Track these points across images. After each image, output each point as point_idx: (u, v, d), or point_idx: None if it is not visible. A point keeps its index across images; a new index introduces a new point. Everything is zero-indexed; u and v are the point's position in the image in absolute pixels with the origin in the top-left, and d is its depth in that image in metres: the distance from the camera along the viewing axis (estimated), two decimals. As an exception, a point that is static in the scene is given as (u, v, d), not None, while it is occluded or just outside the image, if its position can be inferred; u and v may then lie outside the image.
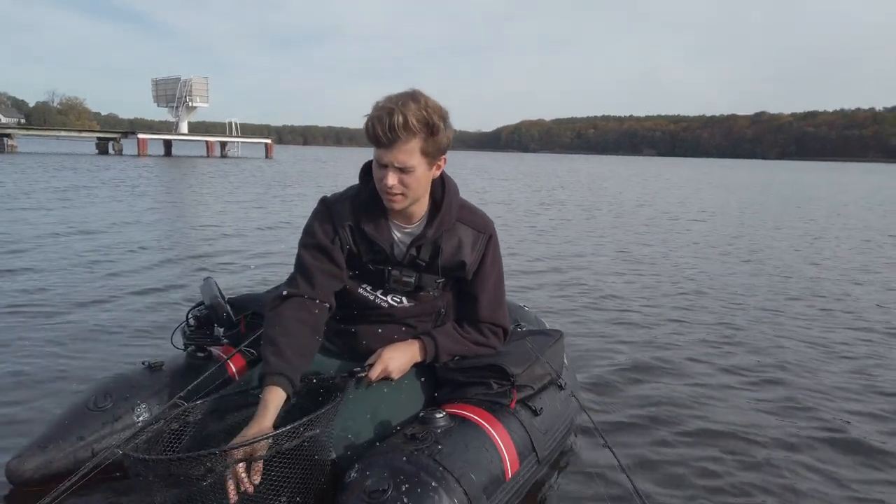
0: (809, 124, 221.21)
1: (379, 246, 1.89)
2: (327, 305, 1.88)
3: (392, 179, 1.75)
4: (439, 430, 1.74)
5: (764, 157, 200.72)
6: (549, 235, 8.77)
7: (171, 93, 48.77)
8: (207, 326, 2.36)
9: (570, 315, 4.46)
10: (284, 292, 1.85)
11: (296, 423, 1.54)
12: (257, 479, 1.49)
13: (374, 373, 1.88)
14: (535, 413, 1.98)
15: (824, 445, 2.46)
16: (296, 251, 1.92)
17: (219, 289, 2.44)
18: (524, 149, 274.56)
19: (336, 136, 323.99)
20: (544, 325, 2.74)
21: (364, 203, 1.89)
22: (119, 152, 41.90)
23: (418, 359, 1.97)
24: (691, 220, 11.44)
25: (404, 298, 1.96)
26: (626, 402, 2.84)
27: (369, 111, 1.74)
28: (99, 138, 44.70)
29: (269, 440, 1.51)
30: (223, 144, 47.49)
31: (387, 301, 1.96)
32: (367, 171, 1.90)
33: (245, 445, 1.48)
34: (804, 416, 2.73)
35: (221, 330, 2.44)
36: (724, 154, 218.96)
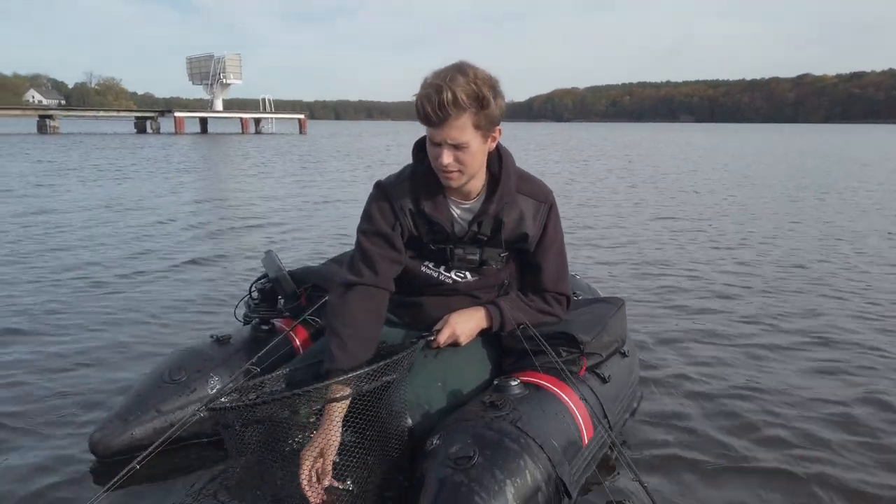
0: (855, 85, 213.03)
1: (440, 226, 1.87)
2: (388, 291, 1.88)
3: (447, 158, 1.72)
4: (516, 398, 1.74)
5: (807, 121, 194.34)
6: (590, 206, 8.65)
7: (205, 70, 49.31)
8: (271, 299, 2.37)
9: (615, 281, 4.42)
10: (348, 280, 1.84)
11: (374, 366, 1.58)
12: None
13: (443, 337, 1.88)
14: (604, 380, 1.97)
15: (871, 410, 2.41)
16: (347, 229, 1.89)
17: (280, 261, 2.45)
18: (558, 118, 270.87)
19: (367, 110, 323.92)
20: (597, 292, 2.71)
21: (420, 183, 1.86)
22: (157, 131, 42.62)
23: (485, 325, 1.96)
24: (737, 185, 11.17)
25: (468, 273, 1.95)
26: (682, 364, 2.82)
27: (417, 89, 1.70)
28: (137, 118, 45.47)
29: (350, 382, 1.57)
30: (257, 121, 47.94)
31: (451, 277, 1.95)
32: (420, 148, 1.87)
33: (331, 384, 1.54)
34: (850, 382, 2.66)
35: (281, 302, 2.45)
36: (764, 119, 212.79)
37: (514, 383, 1.79)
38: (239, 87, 52.74)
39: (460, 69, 1.67)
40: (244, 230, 6.56)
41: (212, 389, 2.02)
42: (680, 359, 2.93)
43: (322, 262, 2.76)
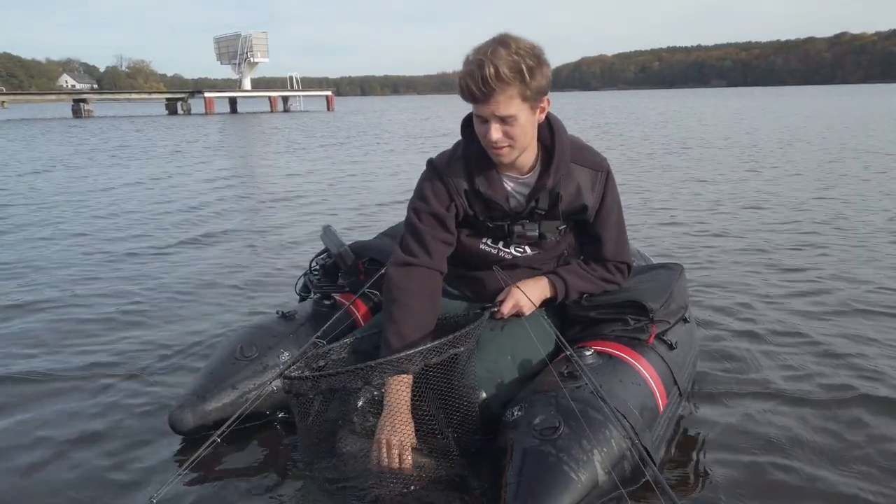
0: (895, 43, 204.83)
1: (495, 203, 1.85)
2: (441, 273, 1.89)
3: (496, 133, 1.70)
4: (591, 368, 1.74)
5: (844, 82, 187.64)
6: (627, 172, 8.55)
7: (232, 50, 49.48)
8: (331, 274, 2.37)
9: (658, 246, 4.41)
10: (403, 259, 1.84)
11: (441, 340, 1.60)
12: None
13: (506, 308, 1.88)
14: (672, 347, 1.97)
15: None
16: (401, 210, 1.89)
17: (339, 236, 2.46)
18: (585, 87, 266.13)
19: (393, 85, 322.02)
20: (649, 258, 2.71)
21: (473, 161, 1.84)
22: (188, 112, 43.07)
23: (548, 295, 1.96)
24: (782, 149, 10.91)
25: (527, 248, 1.94)
26: (740, 330, 2.81)
27: (461, 66, 1.67)
28: (168, 99, 45.97)
29: (420, 355, 1.60)
30: (285, 99, 48.09)
31: (510, 252, 1.95)
32: (468, 125, 1.84)
33: (403, 356, 1.57)
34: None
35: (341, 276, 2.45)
36: (800, 81, 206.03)
37: (588, 353, 1.79)
38: (266, 65, 53.08)
39: (501, 42, 1.64)
40: (286, 201, 6.75)
41: (283, 364, 2.04)
42: (746, 324, 2.92)
43: (375, 235, 2.77)
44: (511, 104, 1.66)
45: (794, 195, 6.57)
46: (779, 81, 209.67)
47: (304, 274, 2.51)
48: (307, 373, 1.66)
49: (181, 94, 46.10)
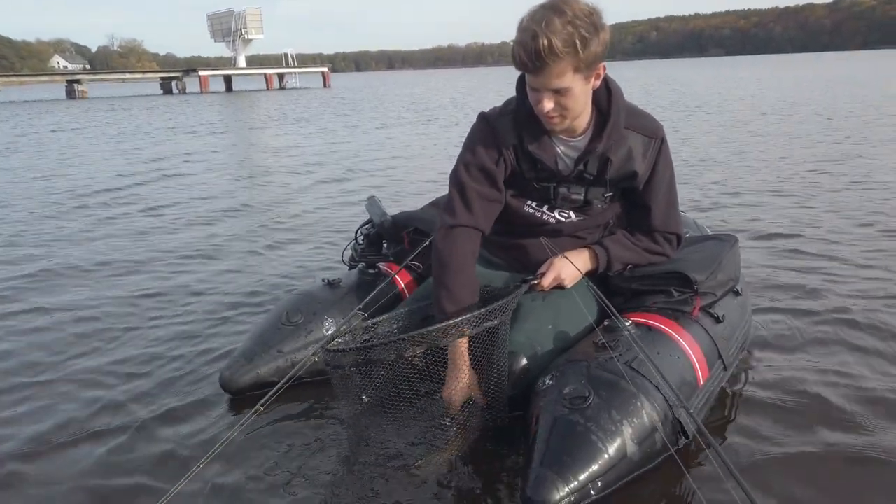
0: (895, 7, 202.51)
1: (544, 164, 1.82)
2: (483, 232, 1.87)
3: (548, 104, 1.67)
4: (628, 339, 1.70)
5: (844, 49, 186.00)
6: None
7: (226, 27, 48.93)
8: (376, 244, 2.43)
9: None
10: (447, 222, 1.83)
11: (477, 312, 1.62)
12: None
13: (547, 280, 1.85)
14: (718, 320, 1.92)
15: None
16: (443, 169, 1.89)
17: (383, 206, 2.49)
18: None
19: (388, 60, 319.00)
20: (705, 229, 2.64)
21: (524, 120, 1.80)
22: (183, 91, 42.68)
23: (590, 267, 1.92)
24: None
25: (572, 213, 1.90)
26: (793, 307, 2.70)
27: (515, 34, 1.63)
28: (162, 79, 45.57)
29: (459, 326, 1.61)
30: (281, 76, 47.66)
31: (554, 217, 1.91)
32: (523, 82, 1.78)
33: (439, 328, 1.60)
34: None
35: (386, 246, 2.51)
36: (798, 48, 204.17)
37: (626, 324, 1.76)
38: (260, 42, 52.51)
39: (556, 9, 1.58)
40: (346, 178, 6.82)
41: (327, 331, 2.12)
42: (797, 299, 2.80)
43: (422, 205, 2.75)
44: (564, 77, 1.62)
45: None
46: (777, 49, 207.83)
47: (351, 243, 2.57)
48: (350, 346, 1.70)
49: (175, 73, 45.64)
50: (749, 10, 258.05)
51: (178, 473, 1.45)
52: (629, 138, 1.82)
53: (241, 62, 49.19)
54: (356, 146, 9.91)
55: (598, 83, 1.74)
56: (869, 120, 9.93)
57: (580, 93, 1.68)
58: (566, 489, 1.40)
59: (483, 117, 1.89)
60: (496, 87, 30.23)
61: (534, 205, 1.91)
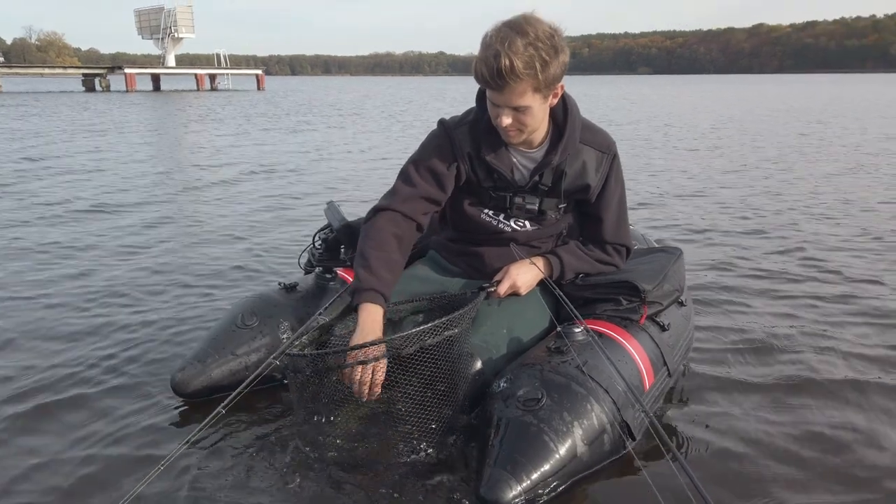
0: (808, 35, 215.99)
1: (500, 174, 1.87)
2: (417, 226, 1.90)
3: (507, 119, 1.72)
4: (580, 344, 1.76)
5: (761, 72, 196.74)
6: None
7: (154, 24, 47.20)
8: (333, 248, 2.42)
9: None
10: (378, 205, 1.89)
11: (438, 321, 1.63)
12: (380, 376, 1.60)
13: (503, 288, 1.91)
14: (663, 328, 2.00)
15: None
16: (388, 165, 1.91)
17: (342, 212, 2.48)
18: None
19: (325, 65, 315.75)
20: (651, 242, 2.73)
21: (482, 128, 1.85)
22: (107, 89, 40.91)
23: (544, 275, 1.97)
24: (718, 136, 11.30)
25: (527, 223, 1.96)
26: (738, 316, 2.84)
27: (477, 50, 1.67)
28: (85, 75, 43.49)
29: (416, 338, 1.61)
30: (213, 77, 46.35)
31: (510, 225, 1.96)
32: (483, 95, 1.83)
33: (398, 338, 1.60)
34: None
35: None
36: (720, 69, 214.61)
37: (577, 330, 1.80)
38: (191, 41, 50.80)
39: (520, 29, 1.62)
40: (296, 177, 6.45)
41: (282, 334, 2.11)
42: (735, 311, 2.92)
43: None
44: (524, 97, 1.68)
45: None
46: (701, 70, 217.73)
47: (308, 248, 2.56)
48: (307, 350, 1.71)
49: (100, 70, 43.65)
50: (675, 31, 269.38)
51: (130, 479, 1.44)
52: (583, 152, 1.89)
53: (171, 61, 47.55)
54: (287, 150, 9.77)
55: (555, 101, 1.80)
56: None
57: (538, 110, 1.74)
58: (519, 488, 1.44)
59: (443, 123, 1.92)
60: (436, 95, 30.34)
61: (490, 213, 1.95)
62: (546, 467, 1.48)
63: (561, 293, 1.90)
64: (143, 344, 2.55)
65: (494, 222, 1.96)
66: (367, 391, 1.58)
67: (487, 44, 1.64)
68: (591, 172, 1.90)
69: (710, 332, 2.64)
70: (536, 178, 1.87)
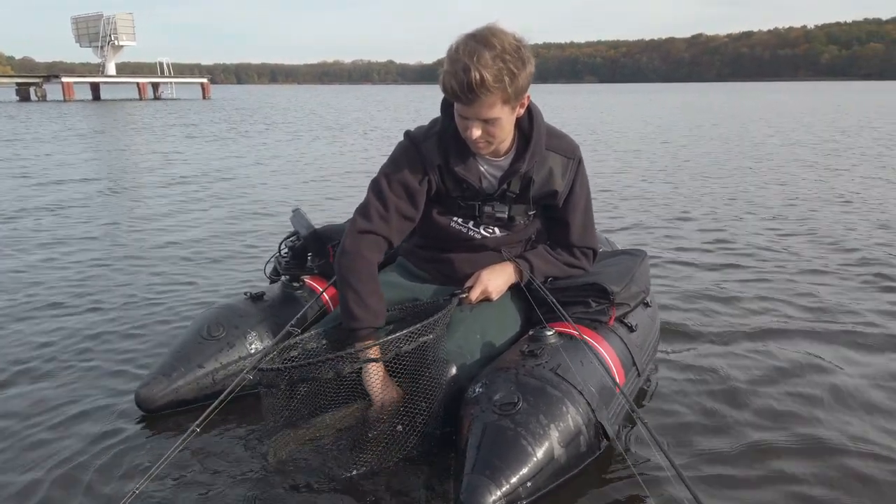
0: (745, 45, 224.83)
1: (469, 183, 1.87)
2: (391, 244, 1.90)
3: (476, 132, 1.72)
4: (552, 347, 1.77)
5: (701, 80, 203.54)
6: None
7: (93, 31, 45.84)
8: (300, 256, 2.37)
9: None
10: (360, 227, 1.84)
11: (412, 328, 1.63)
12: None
13: (475, 294, 1.91)
14: (631, 329, 2.02)
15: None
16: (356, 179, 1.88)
17: (308, 219, 2.43)
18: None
19: (271, 74, 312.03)
20: (615, 245, 2.75)
21: (450, 141, 1.84)
22: (43, 98, 39.37)
23: (514, 280, 1.98)
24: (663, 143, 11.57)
25: (496, 229, 1.96)
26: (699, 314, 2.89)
27: (445, 64, 1.66)
28: (19, 84, 41.77)
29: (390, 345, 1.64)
30: (156, 86, 45.19)
31: (479, 232, 1.96)
32: (448, 105, 1.83)
33: (374, 345, 1.61)
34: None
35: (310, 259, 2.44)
36: (662, 78, 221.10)
37: (549, 333, 1.81)
38: (133, 49, 49.56)
39: (486, 42, 1.61)
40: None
41: (250, 345, 2.06)
42: (697, 310, 2.97)
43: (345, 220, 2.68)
44: (493, 109, 1.68)
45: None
46: (644, 79, 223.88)
47: (274, 256, 2.49)
48: (279, 364, 1.68)
49: (35, 79, 42.00)
50: (618, 40, 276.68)
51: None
52: (549, 159, 1.90)
53: (111, 69, 46.21)
54: (228, 158, 9.60)
55: (522, 112, 1.81)
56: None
57: (507, 122, 1.75)
58: (499, 493, 1.43)
59: (409, 136, 1.90)
60: (385, 105, 30.27)
61: (459, 221, 1.95)
62: (524, 471, 1.47)
63: (546, 290, 1.90)
64: (93, 360, 2.42)
65: (464, 230, 1.95)
66: None
67: (455, 58, 1.62)
68: (558, 178, 1.91)
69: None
70: (505, 186, 1.88)
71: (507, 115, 1.73)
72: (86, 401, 2.11)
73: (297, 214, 2.44)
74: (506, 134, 1.79)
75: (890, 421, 1.98)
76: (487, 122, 1.70)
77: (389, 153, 1.93)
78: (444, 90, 1.67)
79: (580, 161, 1.97)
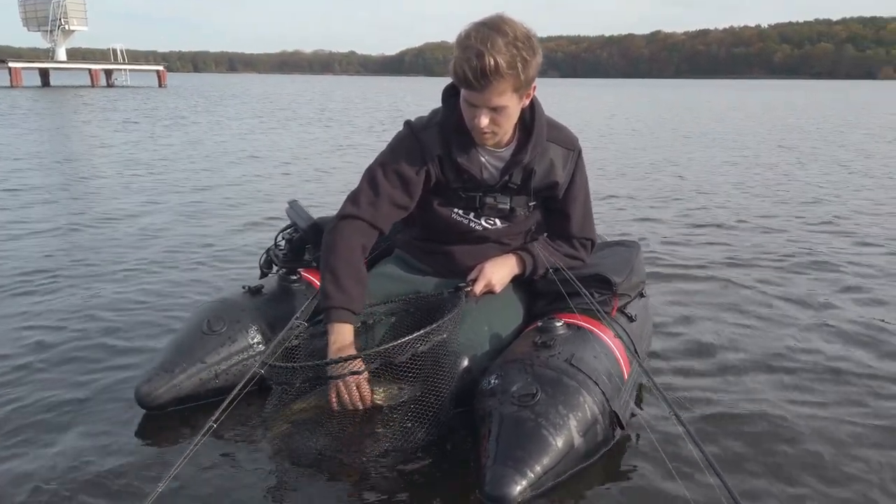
0: (701, 42, 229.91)
1: (470, 174, 1.86)
2: (380, 232, 1.90)
3: (484, 120, 1.71)
4: (562, 338, 1.77)
5: (660, 76, 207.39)
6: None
7: (42, 15, 44.18)
8: (297, 249, 2.31)
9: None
10: (346, 212, 1.84)
11: (427, 329, 1.62)
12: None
13: (479, 287, 1.90)
14: (631, 319, 2.03)
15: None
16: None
17: (305, 211, 2.38)
18: (429, 73, 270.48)
19: (230, 62, 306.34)
20: (604, 237, 2.75)
21: (451, 129, 1.83)
22: (-12, 84, 37.78)
23: (517, 272, 1.99)
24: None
25: (497, 221, 1.96)
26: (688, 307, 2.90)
27: (455, 51, 1.65)
28: (-38, 69, 40.02)
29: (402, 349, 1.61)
30: (108, 73, 43.79)
31: (480, 224, 1.95)
32: (450, 94, 1.83)
33: (390, 347, 1.59)
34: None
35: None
36: (622, 74, 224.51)
37: (558, 324, 1.82)
38: (84, 35, 47.93)
39: (499, 29, 1.62)
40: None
41: (252, 339, 2.03)
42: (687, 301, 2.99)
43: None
44: (504, 96, 1.68)
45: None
46: (604, 74, 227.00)
47: (269, 249, 2.42)
48: (302, 363, 1.66)
49: (-21, 64, 40.29)
50: (579, 35, 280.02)
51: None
52: (550, 150, 1.90)
53: (61, 55, 44.64)
54: (181, 147, 9.33)
55: (526, 102, 1.80)
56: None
57: (514, 111, 1.74)
58: (524, 482, 1.44)
59: (409, 126, 1.89)
60: (345, 95, 29.96)
61: (460, 212, 1.94)
62: (546, 461, 1.48)
63: (572, 277, 1.91)
64: (81, 360, 2.32)
65: (465, 221, 1.94)
66: (358, 403, 1.61)
67: (467, 44, 1.61)
68: (559, 170, 1.92)
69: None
70: (507, 177, 1.87)
71: (515, 103, 1.72)
72: (85, 400, 2.02)
73: (293, 206, 2.39)
74: (510, 124, 1.79)
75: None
76: (495, 111, 1.70)
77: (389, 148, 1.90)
78: (456, 76, 1.66)
79: (580, 153, 1.98)
